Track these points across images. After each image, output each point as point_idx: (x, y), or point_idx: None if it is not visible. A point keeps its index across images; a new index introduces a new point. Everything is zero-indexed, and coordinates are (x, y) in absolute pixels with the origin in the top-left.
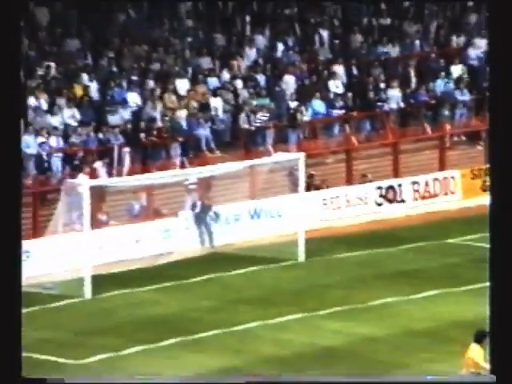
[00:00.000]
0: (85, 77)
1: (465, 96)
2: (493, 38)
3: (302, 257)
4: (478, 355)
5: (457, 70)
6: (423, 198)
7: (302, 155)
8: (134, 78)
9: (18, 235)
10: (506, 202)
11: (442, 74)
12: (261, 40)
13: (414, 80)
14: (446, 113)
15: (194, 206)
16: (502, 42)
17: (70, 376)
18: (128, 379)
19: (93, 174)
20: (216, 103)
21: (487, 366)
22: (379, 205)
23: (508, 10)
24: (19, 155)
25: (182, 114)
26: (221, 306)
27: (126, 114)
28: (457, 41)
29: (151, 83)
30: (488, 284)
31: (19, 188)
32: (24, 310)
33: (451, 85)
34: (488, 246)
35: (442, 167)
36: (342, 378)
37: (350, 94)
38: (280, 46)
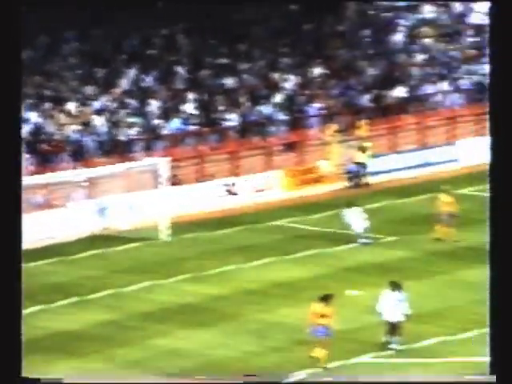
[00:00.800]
0: None
1: (284, 116)
2: (494, 39)
3: (166, 236)
4: (312, 312)
5: (277, 97)
6: (256, 191)
7: (165, 160)
8: (35, 101)
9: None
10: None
11: (267, 100)
12: (132, 73)
13: (247, 104)
14: (271, 129)
15: (84, 199)
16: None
17: (69, 376)
18: (128, 379)
19: None
20: (99, 121)
21: (322, 321)
22: (223, 197)
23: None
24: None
25: (72, 128)
26: (104, 275)
27: (28, 128)
28: (277, 76)
29: (48, 105)
30: (313, 252)
31: (19, 172)
32: None
33: (274, 108)
34: (305, 226)
35: (268, 168)
36: (342, 378)
37: (200, 114)
38: (147, 78)
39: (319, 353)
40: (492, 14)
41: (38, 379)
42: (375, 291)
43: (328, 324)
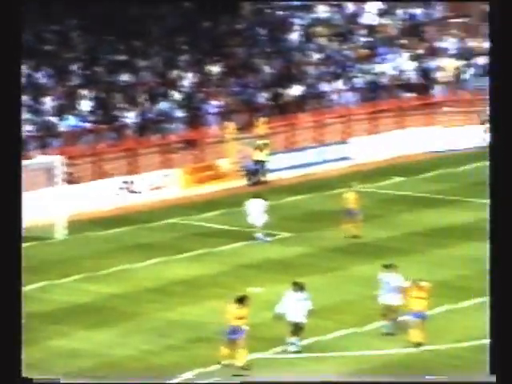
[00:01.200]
0: None
1: (182, 114)
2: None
3: (62, 235)
4: (227, 313)
5: (175, 95)
6: (154, 189)
7: (60, 158)
8: None
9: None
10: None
11: (165, 97)
12: (25, 69)
13: (145, 102)
14: (169, 126)
15: None
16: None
17: (66, 377)
18: (127, 379)
19: None
20: None
21: (237, 322)
22: (121, 195)
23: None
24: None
25: None
26: None
27: None
28: (175, 74)
29: None
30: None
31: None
32: None
33: (172, 106)
34: (203, 224)
35: (167, 166)
36: (342, 378)
37: (97, 112)
38: (41, 75)
39: (235, 354)
40: (492, 6)
41: (35, 380)
42: (274, 287)
43: (244, 325)
